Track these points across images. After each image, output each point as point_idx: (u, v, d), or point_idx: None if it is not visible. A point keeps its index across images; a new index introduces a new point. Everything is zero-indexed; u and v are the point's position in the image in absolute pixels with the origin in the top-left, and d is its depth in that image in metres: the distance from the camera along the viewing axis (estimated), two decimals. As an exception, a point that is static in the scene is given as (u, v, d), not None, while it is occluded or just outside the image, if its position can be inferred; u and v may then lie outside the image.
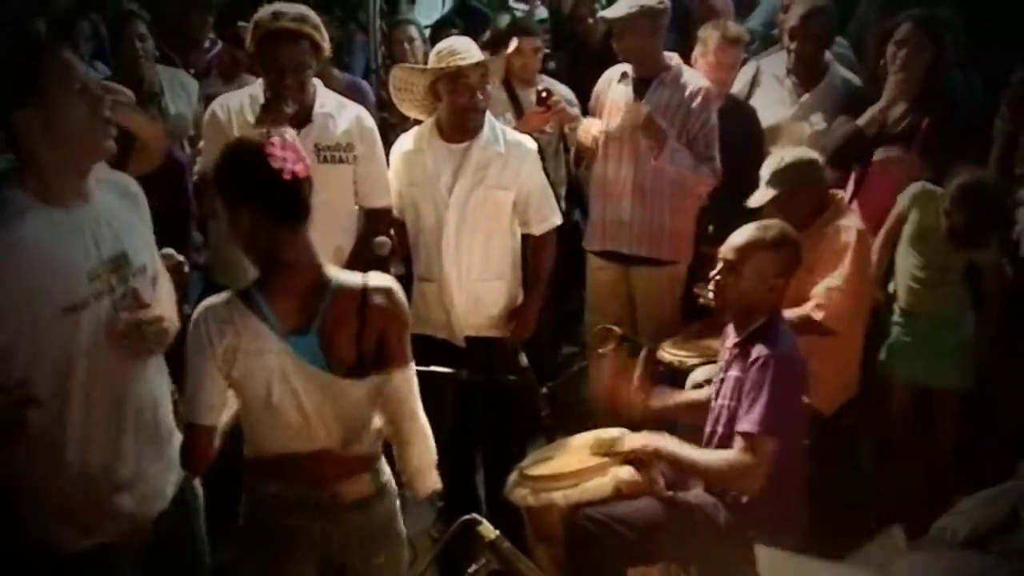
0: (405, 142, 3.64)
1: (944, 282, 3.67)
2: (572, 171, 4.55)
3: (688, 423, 3.17)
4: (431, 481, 2.36)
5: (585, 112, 4.29)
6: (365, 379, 2.21)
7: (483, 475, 3.77)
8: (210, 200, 3.15)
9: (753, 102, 4.34)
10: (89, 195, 2.17)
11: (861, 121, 3.88)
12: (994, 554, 2.32)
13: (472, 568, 2.91)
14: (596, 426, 3.28)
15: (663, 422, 3.22)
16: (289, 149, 2.14)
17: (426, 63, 3.66)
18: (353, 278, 2.23)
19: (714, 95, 4.00)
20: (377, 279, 2.24)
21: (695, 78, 4.03)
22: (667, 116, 3.90)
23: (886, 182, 3.88)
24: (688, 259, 4.12)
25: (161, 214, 2.41)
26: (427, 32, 5.05)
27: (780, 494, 2.77)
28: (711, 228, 4.07)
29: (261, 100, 3.31)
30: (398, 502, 2.39)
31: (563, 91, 4.44)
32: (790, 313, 3.16)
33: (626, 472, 2.86)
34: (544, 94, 4.13)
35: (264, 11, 3.27)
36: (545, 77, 4.58)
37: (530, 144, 3.63)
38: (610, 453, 2.91)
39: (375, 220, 3.54)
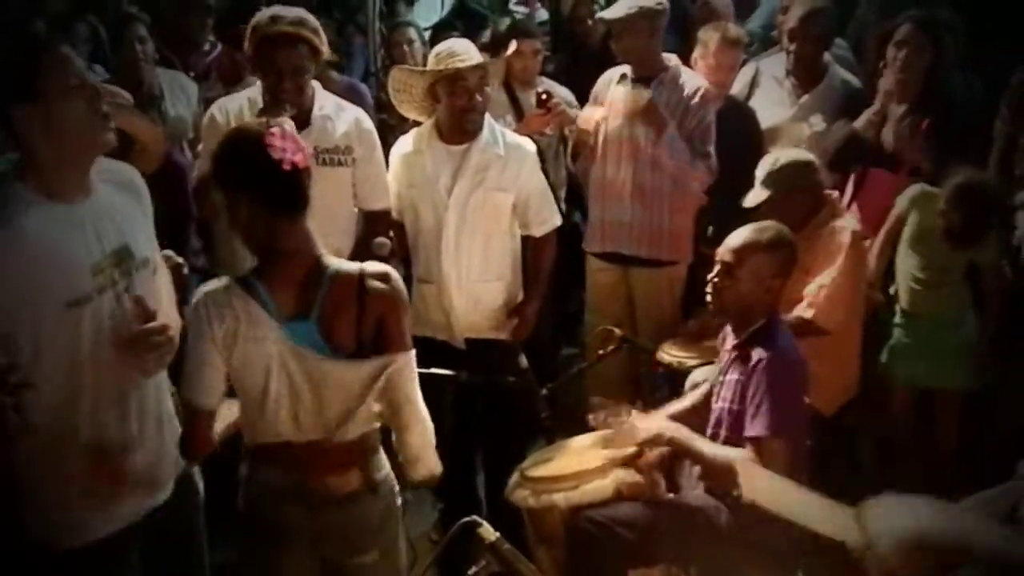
0: (404, 144, 3.64)
1: (945, 283, 3.67)
2: (569, 167, 4.54)
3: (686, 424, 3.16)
4: (431, 464, 2.34)
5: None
6: (365, 362, 2.20)
7: (483, 477, 3.77)
8: (210, 201, 3.15)
9: (752, 103, 4.35)
10: (91, 189, 2.18)
11: (858, 124, 3.88)
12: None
13: (472, 570, 2.92)
14: (596, 427, 3.28)
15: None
16: (289, 139, 2.14)
17: (425, 65, 3.67)
18: (350, 265, 2.24)
19: (712, 95, 4.01)
20: (374, 266, 2.25)
21: (693, 78, 4.04)
22: (665, 115, 3.90)
23: (885, 183, 3.88)
24: (688, 259, 4.13)
25: (161, 217, 2.41)
26: (427, 34, 5.05)
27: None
28: (710, 230, 4.07)
29: (260, 103, 3.32)
30: (399, 501, 2.39)
31: (563, 93, 4.45)
32: (785, 317, 3.16)
33: (627, 474, 2.86)
34: (544, 96, 4.14)
35: (262, 15, 3.28)
36: (545, 79, 4.59)
37: (529, 146, 3.63)
38: (622, 443, 2.89)
39: (374, 222, 3.54)
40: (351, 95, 3.86)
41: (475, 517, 2.27)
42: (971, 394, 3.72)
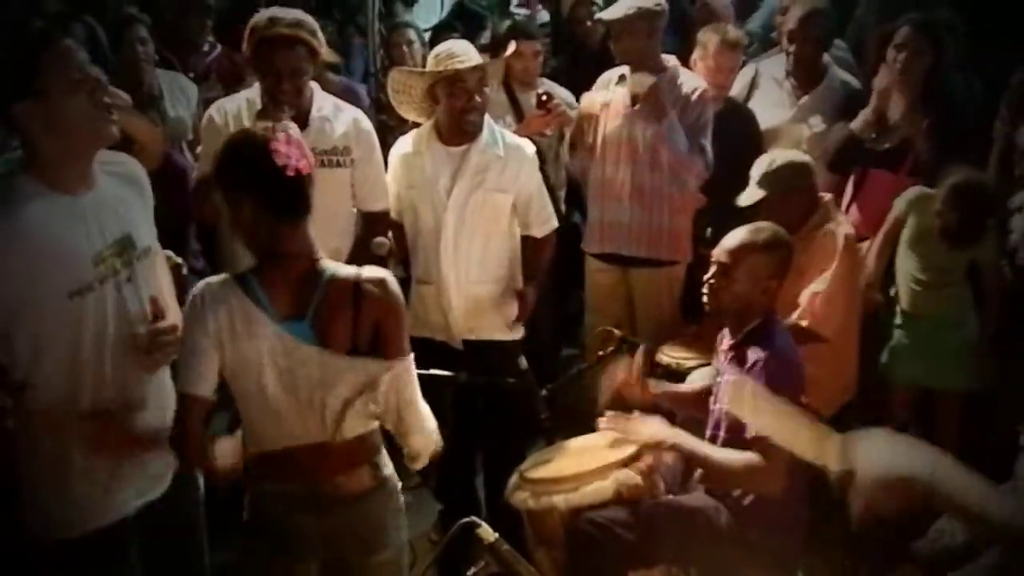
0: (404, 145, 3.64)
1: (945, 283, 3.67)
2: (564, 158, 4.54)
3: (687, 416, 3.16)
4: (433, 451, 2.35)
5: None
6: (359, 360, 2.20)
7: (483, 478, 3.77)
8: (211, 203, 3.15)
9: (752, 104, 4.35)
10: (94, 181, 2.20)
11: (855, 125, 3.88)
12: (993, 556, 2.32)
13: (471, 571, 2.90)
14: (596, 428, 3.27)
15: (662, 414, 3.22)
16: (293, 145, 2.15)
17: (424, 66, 3.67)
18: (347, 269, 2.25)
19: (711, 95, 4.01)
20: (371, 271, 2.25)
21: (692, 79, 4.05)
22: (662, 129, 3.90)
23: (885, 184, 3.88)
24: (687, 259, 4.13)
25: (161, 217, 2.42)
26: (427, 36, 5.05)
27: (781, 496, 2.76)
28: (709, 231, 4.06)
29: (258, 104, 3.31)
30: (402, 499, 2.39)
31: (563, 94, 4.45)
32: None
33: (627, 475, 2.85)
34: (544, 97, 4.14)
35: (260, 16, 3.27)
36: (545, 80, 4.59)
37: (529, 147, 3.63)
38: (626, 443, 2.89)
39: (373, 223, 3.54)
40: (348, 96, 3.86)
41: (474, 518, 2.27)
42: (971, 394, 3.72)
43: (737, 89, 4.37)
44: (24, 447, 2.14)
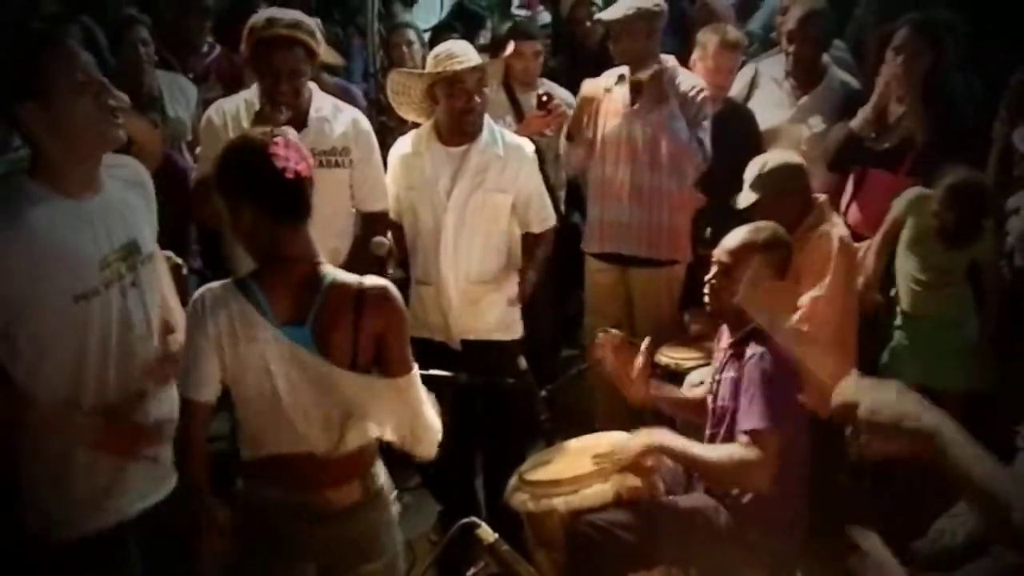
0: (403, 145, 3.64)
1: (945, 284, 3.67)
2: (560, 149, 4.54)
3: (687, 420, 3.16)
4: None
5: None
6: (363, 377, 2.20)
7: (482, 479, 3.76)
8: (211, 207, 3.15)
9: (752, 104, 4.35)
10: (101, 185, 2.20)
11: (854, 123, 3.88)
12: (993, 556, 2.31)
13: (471, 571, 2.90)
14: (596, 429, 3.27)
15: (662, 417, 3.22)
16: (292, 148, 2.15)
17: (424, 67, 3.67)
18: (349, 277, 2.23)
19: (710, 95, 4.00)
20: (373, 280, 2.24)
21: (691, 78, 4.04)
22: (663, 115, 3.91)
23: (885, 184, 3.88)
24: (687, 259, 4.13)
25: (161, 218, 2.42)
26: (426, 36, 5.05)
27: (780, 496, 2.76)
28: (709, 231, 4.06)
29: (256, 105, 3.31)
30: (396, 508, 2.39)
31: (563, 94, 4.45)
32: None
33: (627, 478, 2.85)
34: (544, 98, 4.15)
35: (258, 17, 3.27)
36: (545, 80, 4.59)
37: (528, 147, 3.63)
38: (613, 463, 2.88)
39: (372, 224, 3.54)
40: (343, 97, 3.85)
41: (474, 518, 2.26)
42: (971, 394, 3.71)
43: (737, 89, 4.37)
44: (26, 447, 2.14)
